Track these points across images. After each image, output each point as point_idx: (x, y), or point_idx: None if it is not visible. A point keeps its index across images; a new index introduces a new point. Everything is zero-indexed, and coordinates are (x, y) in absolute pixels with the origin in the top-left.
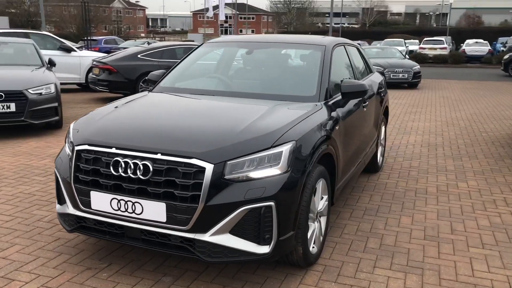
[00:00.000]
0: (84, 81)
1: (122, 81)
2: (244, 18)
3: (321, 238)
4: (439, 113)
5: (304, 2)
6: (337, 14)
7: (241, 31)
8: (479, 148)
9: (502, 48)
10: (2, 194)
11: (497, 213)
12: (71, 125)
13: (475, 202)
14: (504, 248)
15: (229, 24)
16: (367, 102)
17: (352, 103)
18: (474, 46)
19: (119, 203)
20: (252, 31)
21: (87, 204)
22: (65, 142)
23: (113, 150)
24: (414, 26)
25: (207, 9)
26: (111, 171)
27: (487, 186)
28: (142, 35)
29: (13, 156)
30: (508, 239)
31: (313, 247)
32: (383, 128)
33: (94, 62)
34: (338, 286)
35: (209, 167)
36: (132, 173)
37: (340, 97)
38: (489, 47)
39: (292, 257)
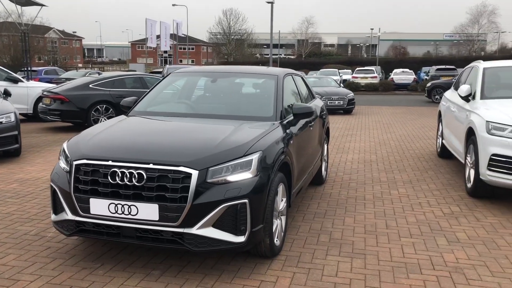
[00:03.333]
0: (31, 112)
1: (74, 110)
2: (184, 48)
3: (282, 234)
4: (372, 135)
5: (243, 34)
6: (274, 46)
7: (181, 61)
8: (407, 163)
9: (425, 77)
10: None
11: (422, 212)
12: (64, 145)
13: (405, 205)
14: (427, 237)
15: (169, 54)
16: (313, 123)
17: (301, 122)
18: (401, 75)
19: (116, 207)
20: (192, 61)
21: (86, 210)
22: (59, 159)
23: (110, 163)
24: (346, 56)
25: (146, 39)
26: (109, 180)
27: (414, 192)
28: (80, 65)
29: None
30: (430, 230)
31: (276, 241)
32: (325, 146)
33: (45, 92)
34: (299, 269)
35: (194, 173)
36: (128, 181)
37: (292, 118)
38: (414, 76)
39: (261, 248)
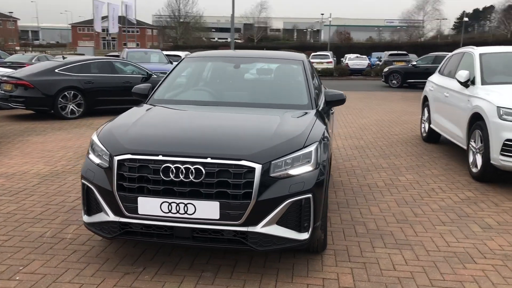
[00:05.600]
0: None
1: (40, 97)
2: (129, 31)
3: None
4: (348, 120)
5: (194, 17)
6: (221, 29)
7: (125, 44)
8: (398, 149)
9: (377, 62)
10: None
11: (439, 198)
12: (95, 138)
13: (420, 191)
14: (459, 224)
15: (112, 38)
16: (333, 110)
17: (330, 110)
18: (355, 60)
19: (170, 206)
20: (137, 45)
21: (133, 210)
22: (90, 154)
23: (160, 157)
24: (299, 41)
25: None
26: (161, 177)
27: (421, 178)
28: (17, 48)
29: None
30: (458, 217)
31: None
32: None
33: (4, 78)
34: (354, 264)
35: (258, 167)
36: (184, 177)
37: (323, 105)
38: (368, 61)
39: (314, 244)
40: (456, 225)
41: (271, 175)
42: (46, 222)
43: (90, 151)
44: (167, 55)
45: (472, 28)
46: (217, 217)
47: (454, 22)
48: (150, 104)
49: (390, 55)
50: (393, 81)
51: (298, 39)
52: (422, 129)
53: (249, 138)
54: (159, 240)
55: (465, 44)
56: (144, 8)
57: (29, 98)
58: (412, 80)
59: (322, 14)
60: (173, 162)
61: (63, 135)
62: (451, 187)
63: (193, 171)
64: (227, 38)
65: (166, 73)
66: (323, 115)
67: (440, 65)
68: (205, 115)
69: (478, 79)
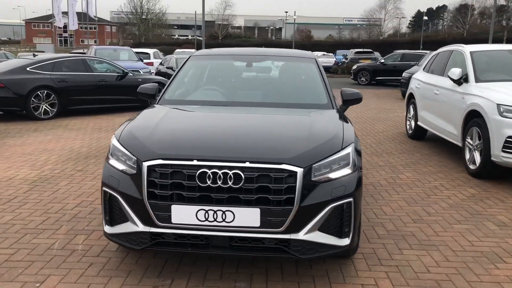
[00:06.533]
0: None
1: (11, 97)
2: (86, 28)
3: None
4: None
5: (157, 14)
6: (181, 27)
7: (82, 41)
8: (388, 146)
9: (343, 60)
10: None
11: (445, 196)
12: (115, 142)
13: (425, 189)
14: (474, 222)
15: (69, 34)
16: None
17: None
18: (323, 58)
19: (206, 214)
20: (95, 42)
21: (166, 219)
22: (111, 159)
23: (195, 162)
24: (261, 39)
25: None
26: (196, 183)
27: (420, 176)
28: None
29: None
30: (471, 215)
31: None
32: None
33: None
34: (387, 268)
35: (300, 171)
36: (222, 183)
37: (340, 103)
38: (335, 59)
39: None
40: (471, 223)
41: (313, 179)
42: (50, 232)
43: (110, 156)
44: (136, 52)
45: (426, 27)
46: (258, 224)
47: (410, 20)
48: (163, 105)
49: (356, 52)
50: (362, 79)
51: (259, 37)
52: (408, 126)
53: (286, 140)
54: (194, 250)
55: (425, 42)
56: (102, 4)
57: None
58: (380, 77)
59: (286, 12)
60: (210, 167)
61: (40, 137)
62: (452, 184)
63: (232, 176)
64: (187, 35)
65: (138, 71)
66: (344, 115)
67: (424, 63)
68: (231, 117)
69: (471, 77)
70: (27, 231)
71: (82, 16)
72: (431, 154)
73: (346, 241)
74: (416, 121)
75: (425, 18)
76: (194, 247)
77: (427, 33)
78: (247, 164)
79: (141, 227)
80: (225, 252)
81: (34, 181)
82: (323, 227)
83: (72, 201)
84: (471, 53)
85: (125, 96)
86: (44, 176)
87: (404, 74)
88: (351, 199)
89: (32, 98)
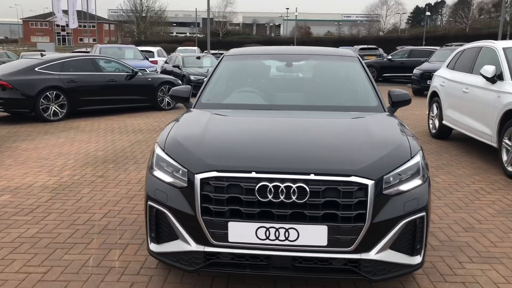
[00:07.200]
0: None
1: (20, 99)
2: (85, 26)
3: None
4: None
5: (157, 11)
6: (180, 24)
7: (81, 40)
8: None
9: None
10: None
11: (490, 201)
12: (159, 152)
13: (465, 194)
14: None
15: (67, 33)
16: None
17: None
18: None
19: (267, 232)
20: (94, 40)
21: (222, 237)
22: (155, 170)
23: (253, 175)
24: (260, 36)
25: (46, 15)
26: (256, 197)
27: (457, 179)
28: None
29: None
30: None
31: None
32: None
33: None
34: (453, 285)
35: (371, 184)
36: (285, 198)
37: (389, 106)
38: None
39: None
40: None
41: (384, 192)
42: (82, 247)
43: (154, 167)
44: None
45: (425, 23)
46: (325, 243)
47: (409, 16)
48: (201, 109)
49: (361, 49)
50: None
51: (258, 34)
52: (431, 126)
53: (350, 149)
54: (253, 271)
55: (427, 38)
56: (99, 2)
57: (7, 99)
58: (387, 74)
59: (288, 8)
60: (271, 180)
61: (53, 140)
62: (493, 188)
63: (296, 190)
64: (186, 33)
65: (145, 70)
66: (399, 119)
67: (449, 60)
68: (282, 122)
69: (507, 75)
70: (57, 246)
71: (82, 15)
72: (461, 155)
73: (418, 259)
74: (440, 120)
75: (428, 13)
76: (253, 268)
77: (426, 29)
78: (312, 177)
79: (193, 246)
80: (288, 274)
81: (54, 188)
82: (394, 245)
83: (98, 211)
84: (504, 49)
85: (135, 96)
86: (64, 183)
87: (415, 71)
88: (424, 213)
89: (41, 99)
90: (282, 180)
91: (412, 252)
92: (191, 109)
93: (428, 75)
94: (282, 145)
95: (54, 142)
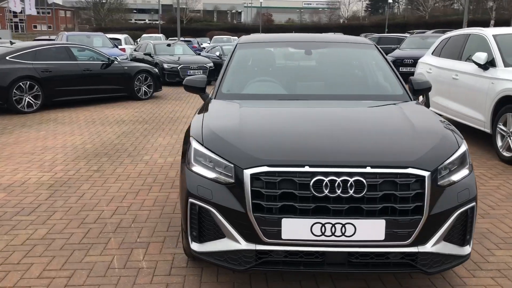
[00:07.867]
0: None
1: None
2: (38, 12)
3: None
4: None
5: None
6: (140, 11)
7: (35, 27)
8: None
9: None
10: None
11: (494, 186)
12: (197, 146)
13: None
14: None
15: (20, 19)
16: None
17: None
18: None
19: (323, 227)
20: (49, 27)
21: (275, 234)
22: (194, 165)
23: (307, 169)
24: (228, 23)
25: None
26: (311, 193)
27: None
28: None
29: None
30: None
31: None
32: None
33: None
34: (489, 273)
35: (427, 175)
36: (341, 192)
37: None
38: None
39: None
40: None
41: (439, 183)
42: (101, 247)
43: (193, 162)
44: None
45: (383, 10)
46: (382, 237)
47: (367, 4)
48: (224, 100)
49: None
50: None
51: (219, 21)
52: None
53: (401, 140)
54: (307, 269)
55: (389, 26)
56: None
57: None
58: None
59: None
60: (326, 174)
61: (33, 133)
62: (493, 173)
63: (353, 184)
64: (145, 20)
65: (116, 58)
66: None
67: (434, 47)
68: (320, 113)
69: (499, 61)
70: (73, 247)
71: (39, 1)
72: None
73: (468, 249)
74: (427, 107)
75: (390, 1)
76: (307, 265)
77: (384, 16)
78: (369, 170)
79: (243, 245)
80: (343, 270)
81: (51, 185)
82: (448, 237)
83: (106, 208)
84: (494, 36)
85: (111, 85)
86: (61, 179)
87: (388, 58)
88: (474, 203)
89: (14, 90)
90: (338, 174)
91: (463, 243)
92: (213, 99)
93: (400, 61)
94: (331, 137)
95: (35, 135)
